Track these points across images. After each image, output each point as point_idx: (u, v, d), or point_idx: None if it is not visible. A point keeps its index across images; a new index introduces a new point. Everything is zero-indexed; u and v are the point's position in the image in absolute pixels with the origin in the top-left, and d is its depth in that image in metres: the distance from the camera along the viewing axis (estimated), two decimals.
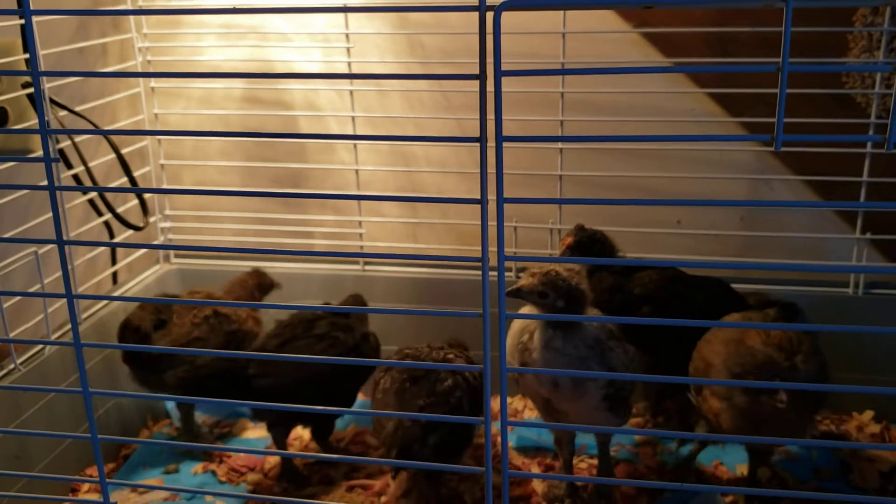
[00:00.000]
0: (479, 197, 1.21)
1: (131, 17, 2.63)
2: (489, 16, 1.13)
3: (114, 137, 2.59)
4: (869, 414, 2.49)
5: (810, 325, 2.22)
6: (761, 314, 2.12)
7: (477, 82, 1.12)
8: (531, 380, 1.92)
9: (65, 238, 1.31)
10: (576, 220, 2.63)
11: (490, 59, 1.11)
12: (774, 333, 1.89)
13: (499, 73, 1.14)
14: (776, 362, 1.81)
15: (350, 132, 2.67)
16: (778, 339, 1.89)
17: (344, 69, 2.63)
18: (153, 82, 2.72)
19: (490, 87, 1.12)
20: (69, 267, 1.35)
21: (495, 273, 1.23)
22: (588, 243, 2.30)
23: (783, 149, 2.50)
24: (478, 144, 1.18)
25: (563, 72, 1.12)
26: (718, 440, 1.76)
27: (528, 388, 1.99)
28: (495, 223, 1.22)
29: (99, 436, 1.46)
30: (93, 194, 2.50)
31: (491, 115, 1.12)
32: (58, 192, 1.30)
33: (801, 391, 1.75)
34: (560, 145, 2.57)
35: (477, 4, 1.11)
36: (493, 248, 1.23)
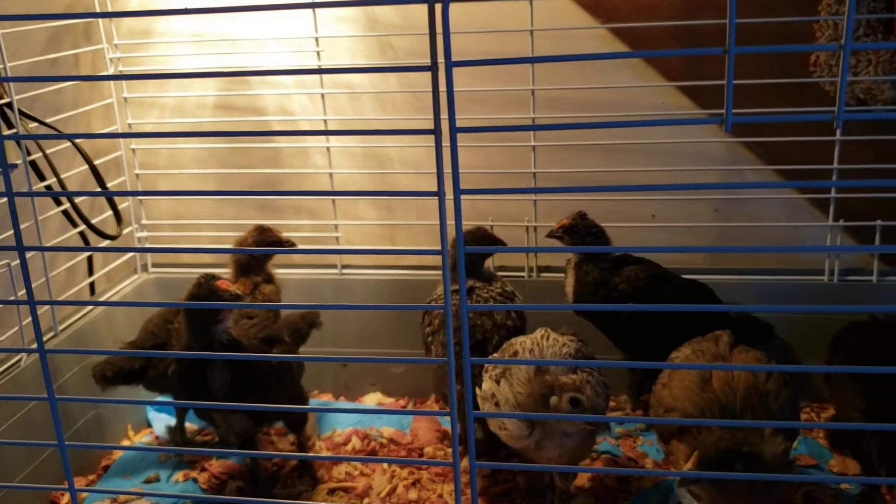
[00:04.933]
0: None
1: (101, 29, 2.63)
2: (438, 8, 1.13)
3: (88, 150, 2.58)
4: None
5: (784, 307, 2.21)
6: (714, 343, 1.95)
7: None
8: (517, 439, 1.88)
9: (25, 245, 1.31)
10: (552, 218, 2.65)
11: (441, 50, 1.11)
12: (737, 374, 1.74)
13: (450, 64, 1.14)
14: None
15: (323, 136, 2.67)
16: (744, 390, 1.73)
17: (315, 73, 2.63)
18: (125, 92, 2.72)
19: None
20: (48, 274, 1.34)
21: None
22: (581, 230, 2.34)
23: (754, 139, 2.53)
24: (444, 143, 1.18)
25: (514, 61, 1.13)
26: (694, 424, 1.75)
27: (512, 441, 1.92)
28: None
29: (69, 443, 1.45)
30: (66, 205, 2.49)
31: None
32: (32, 203, 1.30)
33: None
34: (533, 143, 2.58)
35: None
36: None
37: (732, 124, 2.40)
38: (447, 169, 1.21)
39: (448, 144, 1.20)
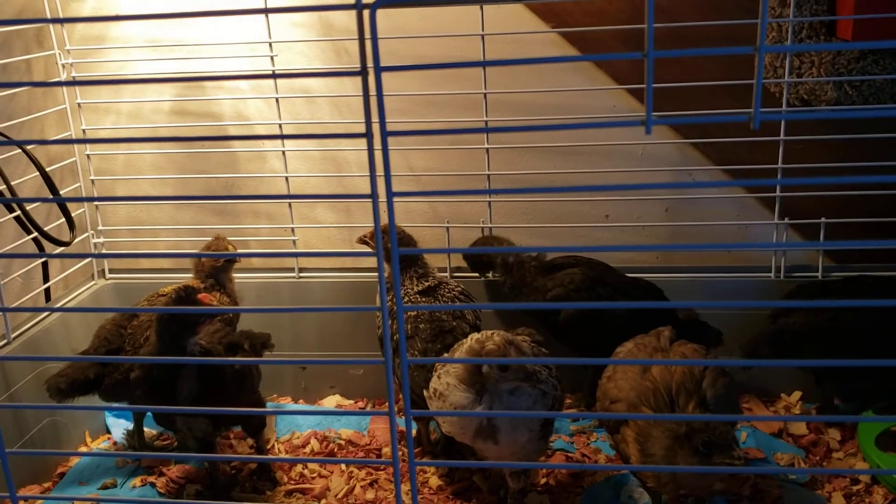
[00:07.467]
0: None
1: (53, 35, 2.62)
2: (366, 14, 1.15)
3: (42, 156, 2.57)
4: (797, 394, 2.55)
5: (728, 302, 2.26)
6: (655, 338, 2.00)
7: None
8: (469, 437, 1.94)
9: None
10: (507, 220, 2.69)
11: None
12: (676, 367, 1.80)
13: (378, 69, 1.17)
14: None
15: (278, 140, 2.68)
16: (680, 374, 1.79)
17: (269, 77, 2.64)
18: (79, 98, 2.71)
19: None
20: None
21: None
22: (472, 265, 2.61)
23: (703, 140, 2.59)
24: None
25: (440, 66, 1.15)
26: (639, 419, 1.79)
27: (466, 439, 1.98)
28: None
29: (10, 450, 1.45)
30: (17, 212, 2.48)
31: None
32: None
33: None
34: (487, 145, 2.61)
35: (354, 3, 1.13)
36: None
37: (684, 126, 2.45)
38: (379, 171, 1.23)
39: (380, 147, 1.22)
